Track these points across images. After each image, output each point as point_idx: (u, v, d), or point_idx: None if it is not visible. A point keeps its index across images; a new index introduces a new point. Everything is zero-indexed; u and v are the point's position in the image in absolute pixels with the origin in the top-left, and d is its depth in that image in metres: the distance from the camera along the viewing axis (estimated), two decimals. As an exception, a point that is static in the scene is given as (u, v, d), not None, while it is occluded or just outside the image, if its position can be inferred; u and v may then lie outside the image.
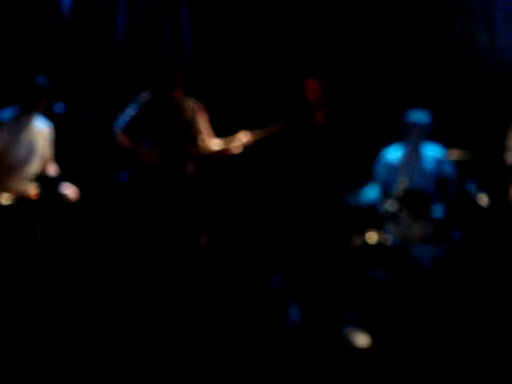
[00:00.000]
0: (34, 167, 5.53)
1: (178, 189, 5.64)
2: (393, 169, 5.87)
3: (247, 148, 5.68)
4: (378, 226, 5.62)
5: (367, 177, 6.04)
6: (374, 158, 6.03)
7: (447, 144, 5.79)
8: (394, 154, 6.00)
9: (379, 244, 5.41)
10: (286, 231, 5.96)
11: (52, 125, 5.68)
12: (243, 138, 5.65)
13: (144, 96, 5.79)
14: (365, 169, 5.97)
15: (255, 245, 6.27)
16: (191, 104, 5.85)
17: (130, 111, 5.74)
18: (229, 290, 5.35)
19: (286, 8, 6.70)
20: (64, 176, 5.54)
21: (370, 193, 6.00)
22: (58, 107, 5.40)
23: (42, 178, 5.49)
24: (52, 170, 5.68)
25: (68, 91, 6.33)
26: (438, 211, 5.69)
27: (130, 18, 6.79)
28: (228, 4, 6.78)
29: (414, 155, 5.94)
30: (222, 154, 5.80)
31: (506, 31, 6.35)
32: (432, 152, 5.91)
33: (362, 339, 4.80)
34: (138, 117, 5.71)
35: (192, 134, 5.77)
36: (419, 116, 5.84)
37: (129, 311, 5.13)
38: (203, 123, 5.85)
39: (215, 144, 5.79)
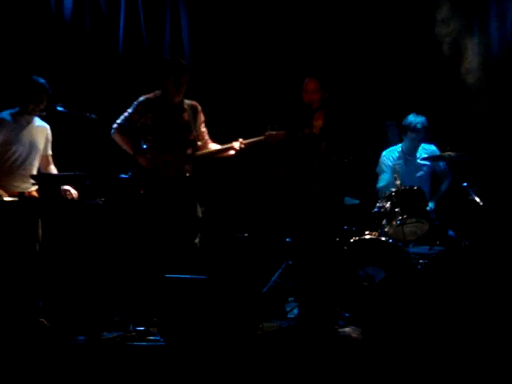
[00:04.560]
0: (34, 166, 5.58)
1: (175, 192, 5.48)
2: (389, 169, 5.95)
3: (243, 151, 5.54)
4: (374, 225, 5.68)
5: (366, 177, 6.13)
6: (372, 159, 6.12)
7: (442, 145, 5.86)
8: (391, 155, 6.09)
9: (375, 242, 5.46)
10: (284, 231, 5.98)
11: (51, 124, 5.72)
12: (238, 145, 5.50)
13: (144, 97, 5.63)
14: (364, 169, 6.04)
15: (252, 244, 6.32)
16: (190, 105, 5.68)
17: (129, 112, 5.59)
18: (225, 289, 5.36)
19: (286, 9, 6.76)
20: (64, 175, 5.57)
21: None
22: (58, 107, 5.43)
23: (42, 176, 5.54)
24: (52, 168, 5.73)
25: (68, 91, 6.37)
26: (432, 210, 5.76)
27: (130, 20, 6.84)
28: (227, 6, 6.83)
29: (409, 156, 6.03)
30: (217, 156, 5.70)
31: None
32: (427, 153, 5.99)
33: (357, 337, 4.85)
34: (136, 117, 5.55)
35: (191, 137, 5.61)
36: (415, 119, 5.94)
37: (128, 308, 5.18)
38: (202, 126, 5.71)
39: (213, 147, 5.68)
